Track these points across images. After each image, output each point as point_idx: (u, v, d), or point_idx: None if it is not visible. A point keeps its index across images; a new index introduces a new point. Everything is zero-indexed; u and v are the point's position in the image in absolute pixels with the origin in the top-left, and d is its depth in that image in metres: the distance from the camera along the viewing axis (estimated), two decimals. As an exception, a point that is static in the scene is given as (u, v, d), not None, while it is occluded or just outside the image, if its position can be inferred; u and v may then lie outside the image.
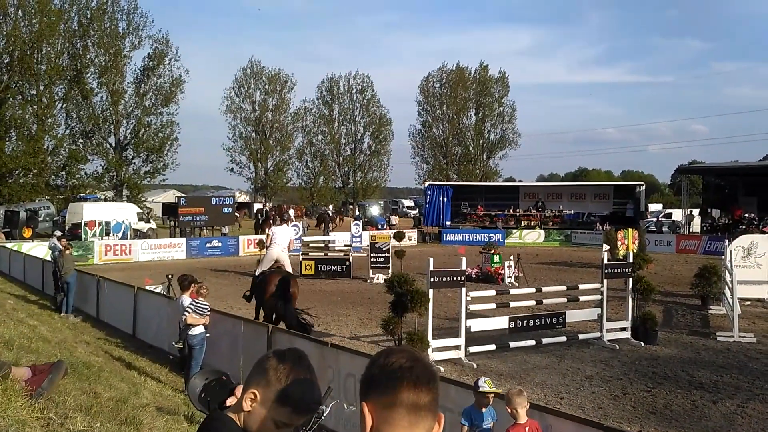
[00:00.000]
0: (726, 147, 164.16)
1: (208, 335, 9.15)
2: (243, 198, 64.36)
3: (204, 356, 9.04)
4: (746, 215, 35.55)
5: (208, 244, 31.14)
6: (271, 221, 16.39)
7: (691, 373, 10.00)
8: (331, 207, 56.87)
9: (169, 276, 13.15)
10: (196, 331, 8.97)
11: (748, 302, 16.56)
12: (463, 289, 10.64)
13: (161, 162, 47.41)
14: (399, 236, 24.63)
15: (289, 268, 12.48)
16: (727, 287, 14.83)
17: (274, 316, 11.40)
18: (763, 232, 25.95)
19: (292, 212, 43.63)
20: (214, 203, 35.39)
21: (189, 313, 8.91)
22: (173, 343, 9.87)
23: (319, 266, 22.24)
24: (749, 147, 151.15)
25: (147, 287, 13.61)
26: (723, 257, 17.03)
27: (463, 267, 10.83)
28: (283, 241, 12.65)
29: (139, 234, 35.35)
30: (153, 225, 39.83)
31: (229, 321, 10.17)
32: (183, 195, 49.75)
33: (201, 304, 9.07)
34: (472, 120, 65.16)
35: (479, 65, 64.84)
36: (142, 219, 38.66)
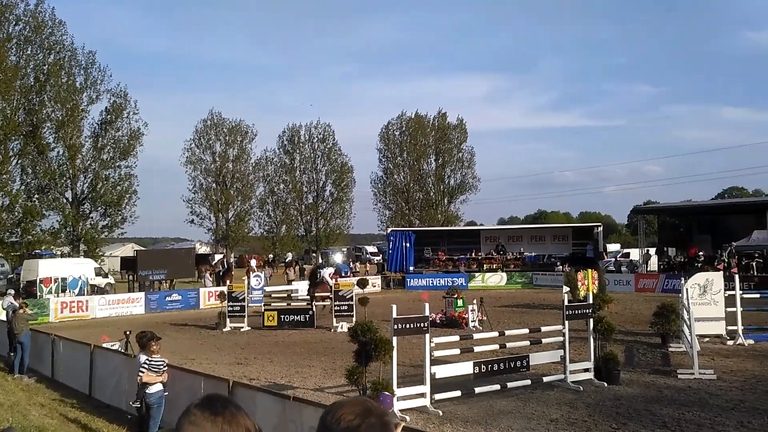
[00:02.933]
0: (679, 187, 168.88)
1: (166, 393, 8.93)
2: (204, 249, 63.52)
3: (163, 415, 8.80)
4: (701, 253, 36.41)
5: (167, 298, 30.51)
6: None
7: (654, 412, 10.08)
8: (290, 254, 56.56)
9: (127, 332, 12.86)
10: (153, 389, 8.74)
11: (707, 339, 16.85)
12: (427, 336, 10.63)
13: (119, 215, 46.64)
14: (363, 283, 24.55)
15: None
16: (685, 325, 15.10)
17: None
18: (717, 269, 26.56)
19: (254, 262, 43.26)
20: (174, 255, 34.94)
21: (144, 371, 8.69)
22: (131, 403, 9.59)
23: (282, 317, 22.00)
24: (701, 186, 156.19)
25: (104, 345, 13.25)
26: (680, 295, 17.36)
27: (427, 313, 10.84)
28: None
29: (96, 290, 34.51)
30: (111, 280, 38.97)
31: (188, 377, 9.94)
32: (142, 248, 48.90)
33: (156, 361, 8.86)
34: (432, 166, 65.93)
35: (437, 113, 66.02)
36: (99, 274, 37.82)
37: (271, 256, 58.42)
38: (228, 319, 22.07)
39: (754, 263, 34.27)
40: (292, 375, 13.87)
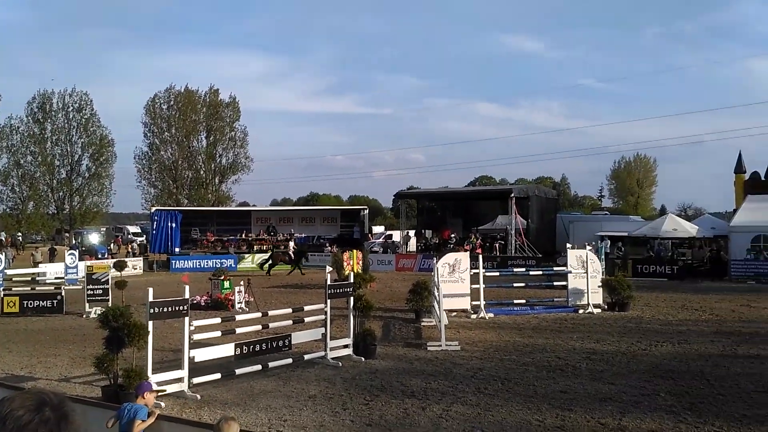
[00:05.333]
0: (439, 174, 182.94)
1: None
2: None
3: None
4: (452, 235, 39.74)
5: None
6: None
7: (405, 383, 10.80)
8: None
9: None
10: None
11: (455, 313, 18.47)
12: (186, 319, 10.27)
13: None
14: (120, 265, 23.00)
15: None
16: (435, 301, 16.36)
17: None
18: (466, 250, 29.18)
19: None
20: None
21: None
22: None
23: (25, 302, 19.83)
24: (457, 174, 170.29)
25: None
26: (432, 273, 18.79)
27: (186, 296, 10.45)
28: None
29: None
30: None
31: None
32: None
33: None
34: (203, 143, 63.79)
35: (209, 89, 63.92)
36: None
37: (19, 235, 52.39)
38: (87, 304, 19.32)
39: (497, 244, 38.26)
40: (34, 365, 12.60)
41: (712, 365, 12.02)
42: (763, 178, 42.04)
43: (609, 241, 35.36)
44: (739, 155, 43.51)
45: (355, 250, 28.99)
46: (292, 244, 36.76)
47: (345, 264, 26.42)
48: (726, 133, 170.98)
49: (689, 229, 35.08)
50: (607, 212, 65.17)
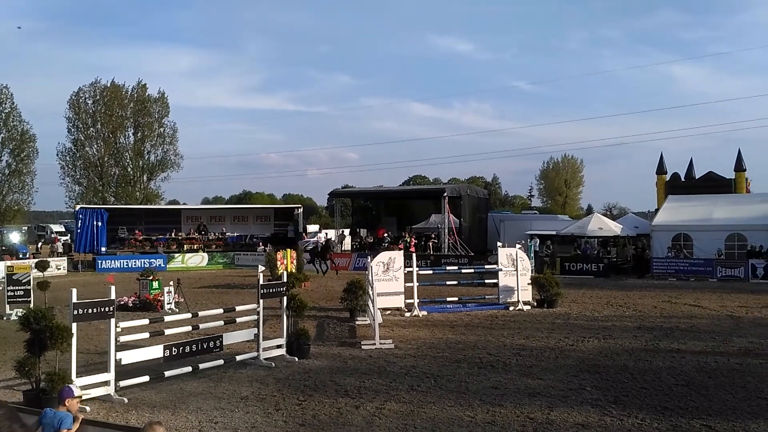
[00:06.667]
0: (373, 173, 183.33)
1: None
2: None
3: None
4: (386, 234, 39.93)
5: None
6: None
7: (338, 382, 10.78)
8: None
9: None
10: None
11: (389, 311, 18.57)
12: (113, 320, 9.96)
13: None
14: (42, 266, 22.07)
15: None
16: (369, 299, 16.41)
17: None
18: (400, 249, 29.36)
19: None
20: None
21: None
22: None
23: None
24: (391, 173, 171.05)
25: None
26: (367, 272, 18.83)
27: (113, 296, 10.13)
28: None
29: None
30: None
31: None
32: None
33: None
34: (130, 140, 61.88)
35: (137, 83, 62.08)
36: None
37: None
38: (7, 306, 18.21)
39: (430, 243, 38.67)
40: (-53, 372, 11.95)
41: (635, 359, 12.50)
42: (683, 179, 44.07)
43: (538, 240, 36.33)
44: (661, 157, 45.50)
45: (289, 249, 28.79)
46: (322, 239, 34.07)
47: (279, 263, 26.21)
48: (648, 136, 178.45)
49: (614, 228, 36.36)
50: (536, 212, 66.83)
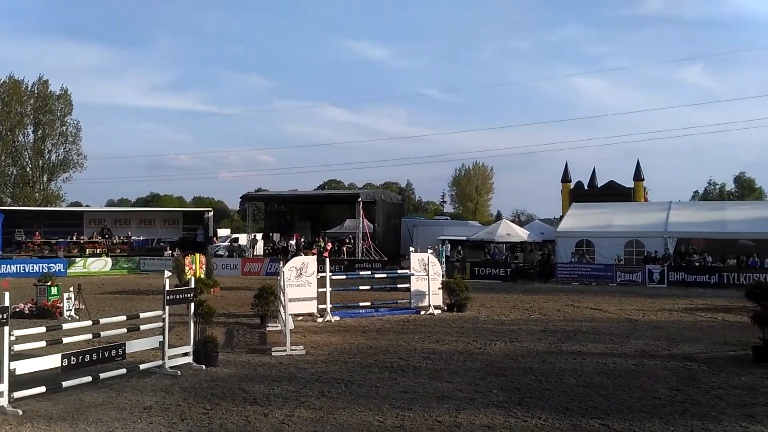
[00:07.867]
0: (288, 177, 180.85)
1: None
2: None
3: None
4: (302, 239, 39.66)
5: None
6: None
7: (247, 390, 10.58)
8: None
9: None
10: None
11: (301, 317, 18.43)
12: (6, 328, 9.39)
13: None
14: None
15: None
16: (281, 305, 16.21)
17: None
18: (314, 254, 29.19)
19: None
20: None
21: None
22: None
23: None
24: (306, 177, 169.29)
25: None
26: (279, 277, 18.61)
27: (6, 302, 9.55)
28: None
29: None
30: None
31: None
32: None
33: None
34: (29, 138, 58.97)
35: (38, 79, 59.16)
36: None
37: None
38: None
39: (344, 248, 38.69)
40: None
41: (539, 362, 12.92)
42: (586, 187, 46.15)
43: (449, 245, 37.06)
44: (566, 166, 47.51)
45: (198, 254, 28.10)
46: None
47: (187, 268, 25.51)
48: (554, 145, 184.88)
49: (521, 233, 37.57)
50: (448, 217, 68.17)
